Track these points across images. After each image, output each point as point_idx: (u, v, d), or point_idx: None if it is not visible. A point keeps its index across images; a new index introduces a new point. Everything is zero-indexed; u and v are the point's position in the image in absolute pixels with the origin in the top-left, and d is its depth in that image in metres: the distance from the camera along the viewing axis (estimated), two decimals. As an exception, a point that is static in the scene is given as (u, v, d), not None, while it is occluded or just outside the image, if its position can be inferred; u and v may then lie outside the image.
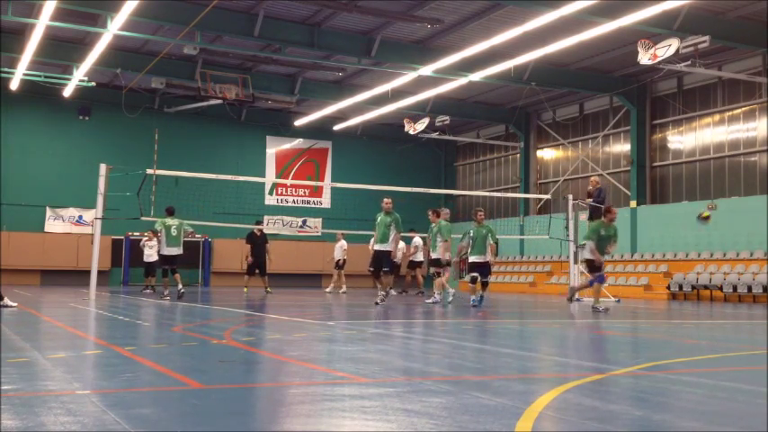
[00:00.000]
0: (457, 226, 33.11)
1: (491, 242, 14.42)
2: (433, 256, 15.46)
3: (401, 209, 14.97)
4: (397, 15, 20.19)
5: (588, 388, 4.48)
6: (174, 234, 15.88)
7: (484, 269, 14.45)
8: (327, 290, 22.26)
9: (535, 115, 30.62)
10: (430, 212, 15.97)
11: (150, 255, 20.14)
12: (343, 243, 21.78)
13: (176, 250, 15.95)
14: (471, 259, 14.44)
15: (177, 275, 16.05)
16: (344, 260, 21.83)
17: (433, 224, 15.48)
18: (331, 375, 4.84)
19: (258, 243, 19.92)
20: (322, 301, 16.36)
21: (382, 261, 14.00)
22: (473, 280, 14.32)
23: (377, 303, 13.82)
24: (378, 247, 13.98)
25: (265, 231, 21.03)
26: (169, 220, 15.98)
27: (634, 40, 19.71)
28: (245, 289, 19.75)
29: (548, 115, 29.98)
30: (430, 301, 15.39)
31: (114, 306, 13.08)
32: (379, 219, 13.98)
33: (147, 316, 10.95)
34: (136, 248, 27.55)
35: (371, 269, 14.25)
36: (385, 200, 14.02)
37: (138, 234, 26.69)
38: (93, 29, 20.34)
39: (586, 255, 14.02)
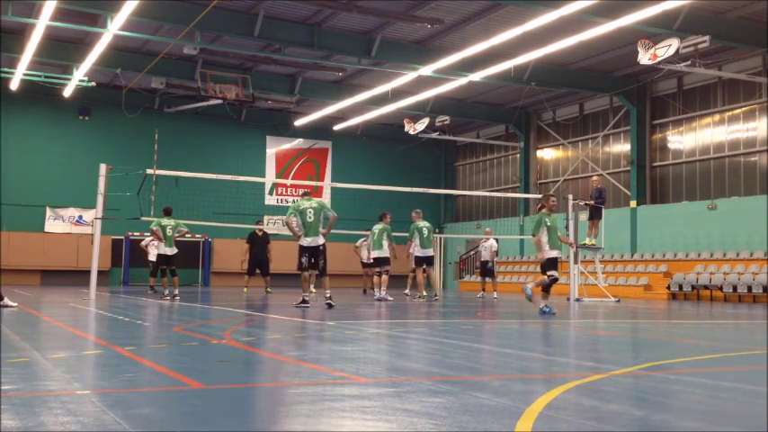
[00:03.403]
0: (457, 226, 33.40)
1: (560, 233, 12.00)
2: (375, 254, 16.97)
3: (401, 208, 15.27)
4: (397, 15, 20.19)
5: (588, 388, 4.47)
6: (169, 234, 15.94)
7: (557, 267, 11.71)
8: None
9: (535, 115, 30.62)
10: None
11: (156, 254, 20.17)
12: None
13: (171, 250, 16.02)
14: (552, 254, 11.60)
15: (176, 278, 16.08)
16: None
17: (382, 225, 16.97)
18: (331, 375, 4.84)
19: (259, 243, 19.90)
20: (320, 302, 16.33)
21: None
22: (554, 281, 11.57)
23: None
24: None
25: (266, 231, 20.94)
26: (165, 221, 16.01)
27: (634, 40, 19.72)
28: (245, 289, 19.74)
29: (548, 115, 29.99)
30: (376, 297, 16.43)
31: (114, 306, 13.07)
32: None
33: (147, 316, 10.94)
34: (136, 248, 27.54)
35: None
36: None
37: (138, 234, 26.71)
38: (93, 29, 20.35)
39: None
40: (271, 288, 20.02)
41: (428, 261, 16.70)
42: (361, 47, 22.39)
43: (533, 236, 11.81)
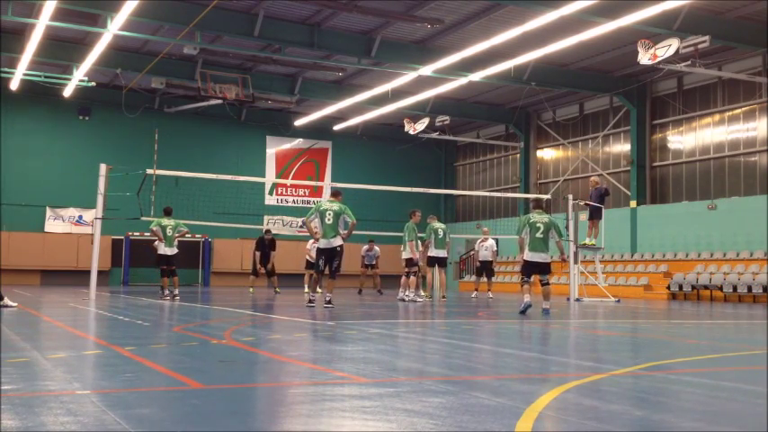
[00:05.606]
0: (457, 226, 33.37)
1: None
2: (404, 255, 16.83)
3: (401, 208, 15.27)
4: (397, 15, 20.19)
5: (588, 388, 4.48)
6: (169, 234, 15.94)
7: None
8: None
9: (535, 115, 30.62)
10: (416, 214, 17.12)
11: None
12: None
13: (171, 250, 16.02)
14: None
15: (176, 278, 16.11)
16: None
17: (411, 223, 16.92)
18: (331, 375, 4.84)
19: (266, 249, 20.04)
20: (321, 302, 16.33)
21: None
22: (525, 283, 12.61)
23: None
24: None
25: (273, 238, 20.93)
26: (165, 221, 16.01)
27: (634, 40, 19.71)
28: (251, 289, 19.93)
29: (548, 115, 29.98)
30: (407, 299, 16.31)
31: (114, 306, 13.07)
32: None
33: (147, 316, 10.94)
34: (136, 248, 27.58)
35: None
36: None
37: (137, 234, 26.74)
38: (93, 29, 20.35)
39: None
40: (279, 288, 20.13)
41: (440, 262, 16.72)
42: (361, 47, 22.38)
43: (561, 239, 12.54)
